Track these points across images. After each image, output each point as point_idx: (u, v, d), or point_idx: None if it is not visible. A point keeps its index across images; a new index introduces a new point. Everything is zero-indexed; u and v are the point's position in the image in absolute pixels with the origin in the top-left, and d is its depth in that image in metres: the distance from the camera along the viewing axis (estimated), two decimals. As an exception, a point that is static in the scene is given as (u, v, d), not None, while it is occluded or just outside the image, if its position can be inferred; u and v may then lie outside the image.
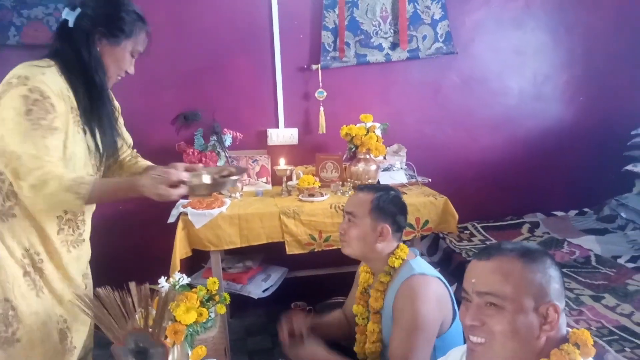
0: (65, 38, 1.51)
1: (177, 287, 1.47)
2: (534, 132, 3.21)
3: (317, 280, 2.83)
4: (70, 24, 1.49)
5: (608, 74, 3.22)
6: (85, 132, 1.55)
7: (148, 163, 1.83)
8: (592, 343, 1.01)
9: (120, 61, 1.57)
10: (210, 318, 1.56)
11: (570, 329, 1.05)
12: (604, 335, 1.77)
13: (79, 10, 1.49)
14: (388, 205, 1.70)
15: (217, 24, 2.76)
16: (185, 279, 1.53)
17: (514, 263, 1.03)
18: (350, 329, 1.91)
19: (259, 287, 2.58)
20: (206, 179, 1.58)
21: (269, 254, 2.70)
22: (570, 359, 0.98)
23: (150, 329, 0.95)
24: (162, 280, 1.49)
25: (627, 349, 1.68)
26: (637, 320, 1.87)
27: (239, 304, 1.82)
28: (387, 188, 1.79)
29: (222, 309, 1.55)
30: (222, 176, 1.66)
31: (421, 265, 1.66)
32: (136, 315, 1.08)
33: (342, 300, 2.94)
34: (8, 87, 1.39)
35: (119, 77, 1.62)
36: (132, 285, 1.09)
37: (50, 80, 1.43)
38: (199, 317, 1.48)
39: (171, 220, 2.38)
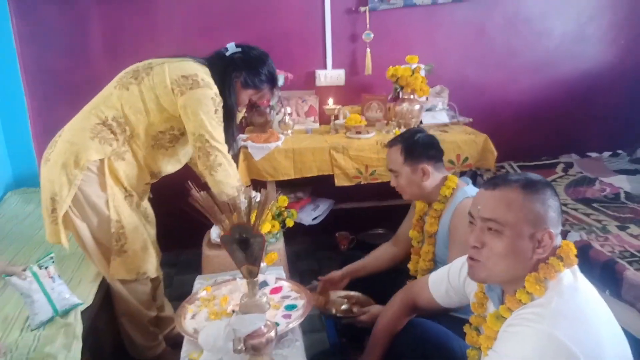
0: (221, 60, 1.95)
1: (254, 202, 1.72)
2: (573, 74, 3.29)
3: (361, 212, 3.08)
4: (227, 54, 1.95)
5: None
6: None
7: None
8: (575, 253, 1.16)
9: (240, 100, 1.99)
10: (279, 230, 1.83)
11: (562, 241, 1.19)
12: (626, 257, 1.96)
13: (238, 49, 1.95)
14: (416, 148, 1.85)
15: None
16: (259, 196, 1.78)
17: (516, 193, 1.15)
18: (399, 256, 2.12)
19: (309, 215, 2.84)
20: None
21: (318, 186, 2.94)
22: (556, 270, 1.13)
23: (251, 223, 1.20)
24: (250, 193, 1.74)
25: (646, 268, 1.88)
26: (658, 246, 2.05)
27: (290, 231, 2.09)
28: (411, 133, 1.93)
29: (291, 222, 1.81)
30: None
31: (474, 191, 1.80)
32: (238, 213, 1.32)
33: (382, 232, 3.20)
34: (195, 84, 1.80)
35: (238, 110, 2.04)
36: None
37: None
38: (272, 228, 1.75)
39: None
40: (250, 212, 1.20)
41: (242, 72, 1.94)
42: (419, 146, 1.87)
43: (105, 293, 2.02)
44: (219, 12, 2.93)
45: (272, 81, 2.00)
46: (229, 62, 1.93)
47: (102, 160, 1.84)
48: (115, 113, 1.84)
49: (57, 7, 2.81)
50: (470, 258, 1.22)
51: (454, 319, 1.67)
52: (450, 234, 1.81)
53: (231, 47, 1.96)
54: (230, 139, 2.00)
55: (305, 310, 1.51)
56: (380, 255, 2.13)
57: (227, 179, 1.85)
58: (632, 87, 3.32)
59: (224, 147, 1.87)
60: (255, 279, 1.28)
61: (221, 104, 1.86)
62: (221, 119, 1.86)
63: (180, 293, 2.44)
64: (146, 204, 2.13)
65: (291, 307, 1.55)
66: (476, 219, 1.21)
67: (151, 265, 2.00)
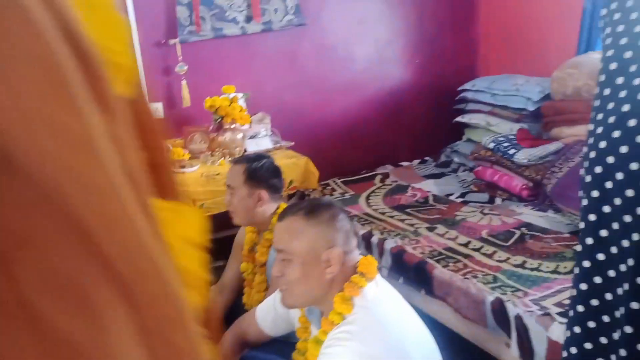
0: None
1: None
2: (379, 92, 3.61)
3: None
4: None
5: (438, 39, 3.70)
6: None
7: None
8: (376, 265, 1.28)
9: None
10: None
11: (360, 257, 1.30)
12: (435, 257, 2.19)
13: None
14: (260, 172, 1.88)
15: None
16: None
17: (299, 221, 1.25)
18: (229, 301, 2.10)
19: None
20: None
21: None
22: (359, 286, 1.23)
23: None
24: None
25: (450, 263, 2.11)
26: (460, 242, 2.32)
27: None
28: (259, 157, 1.97)
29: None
30: None
31: None
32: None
33: (222, 265, 3.15)
34: None
35: None
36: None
37: None
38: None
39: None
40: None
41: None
42: (262, 171, 1.90)
43: None
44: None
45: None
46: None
47: None
48: None
49: None
50: (280, 287, 1.27)
51: (287, 344, 1.70)
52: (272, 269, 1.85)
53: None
54: None
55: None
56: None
57: None
58: (430, 101, 3.74)
59: None
60: None
61: None
62: None
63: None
64: None
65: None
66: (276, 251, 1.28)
67: None
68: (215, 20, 3.03)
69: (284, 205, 1.93)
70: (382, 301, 1.25)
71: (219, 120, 2.84)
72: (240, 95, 2.91)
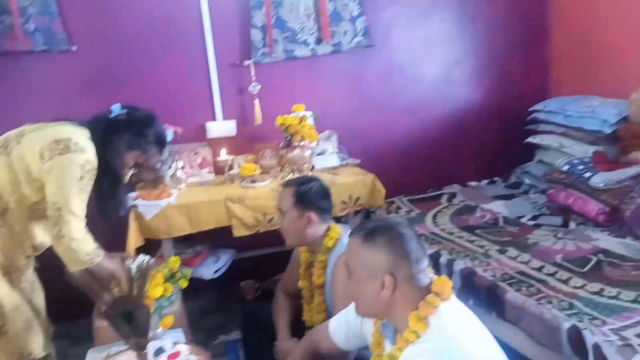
0: (103, 122, 1.85)
1: (145, 265, 1.67)
2: (447, 112, 3.59)
3: (264, 259, 3.08)
4: (111, 116, 1.88)
5: (508, 59, 3.65)
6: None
7: None
8: (451, 285, 1.28)
9: (125, 163, 1.88)
10: (173, 292, 1.78)
11: (433, 277, 1.31)
12: (506, 280, 2.14)
13: (123, 111, 1.89)
14: (309, 195, 1.92)
15: (147, 23, 2.93)
16: (149, 259, 1.73)
17: (356, 242, 1.31)
18: (290, 303, 2.15)
19: (210, 268, 2.79)
20: None
21: (217, 237, 2.90)
22: (434, 306, 1.23)
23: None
24: (128, 262, 1.68)
25: (523, 288, 2.06)
26: (532, 266, 2.25)
27: (192, 287, 2.04)
28: (308, 179, 2.01)
29: (184, 283, 1.77)
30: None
31: None
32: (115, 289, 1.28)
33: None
34: (66, 149, 1.69)
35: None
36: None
37: (94, 153, 1.79)
38: (165, 291, 1.69)
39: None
40: (133, 283, 1.17)
41: (126, 134, 1.86)
42: (311, 194, 1.93)
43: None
44: (96, 74, 2.87)
45: (160, 143, 1.95)
46: (112, 124, 1.86)
47: None
48: None
49: None
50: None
51: (357, 360, 1.72)
52: (332, 288, 1.87)
53: (115, 109, 1.89)
54: (118, 202, 1.93)
55: (205, 373, 1.47)
56: (287, 308, 2.14)
57: (69, 253, 1.69)
58: (499, 121, 3.68)
59: (76, 219, 1.70)
60: (144, 352, 1.24)
61: (93, 171, 1.76)
62: (87, 187, 1.74)
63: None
64: (32, 277, 1.97)
65: (191, 372, 1.50)
66: None
67: (37, 344, 1.85)
68: (287, 43, 3.15)
69: (334, 226, 1.97)
70: (458, 322, 1.25)
71: (289, 137, 2.92)
72: (309, 113, 2.99)
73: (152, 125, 1.92)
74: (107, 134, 1.85)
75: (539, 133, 3.42)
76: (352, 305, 1.54)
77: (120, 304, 1.17)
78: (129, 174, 1.95)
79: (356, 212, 2.97)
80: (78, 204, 1.70)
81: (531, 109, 3.48)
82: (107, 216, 1.92)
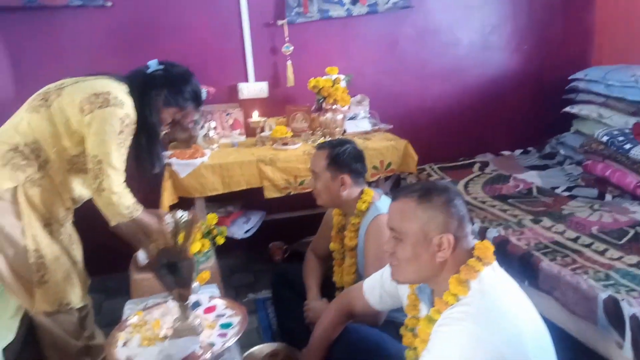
0: (141, 77, 1.84)
1: (182, 222, 1.69)
2: (482, 79, 3.50)
3: (293, 221, 3.10)
4: (148, 71, 1.86)
5: (548, 25, 3.52)
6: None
7: None
8: (492, 251, 1.25)
9: (162, 119, 1.89)
10: (209, 249, 1.81)
11: (476, 242, 1.28)
12: (540, 249, 2.11)
13: (160, 67, 1.87)
14: (343, 158, 1.91)
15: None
16: (186, 215, 1.75)
17: (411, 203, 1.25)
18: (321, 264, 2.17)
19: (241, 229, 2.82)
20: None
21: (248, 199, 2.92)
22: (476, 270, 1.22)
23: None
24: (167, 217, 1.70)
25: (558, 257, 2.03)
26: (568, 236, 2.22)
27: (222, 245, 2.07)
28: (342, 142, 1.99)
29: (221, 240, 1.79)
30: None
31: (386, 205, 1.88)
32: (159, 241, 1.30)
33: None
34: (105, 102, 1.70)
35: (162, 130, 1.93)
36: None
37: (132, 107, 1.79)
38: (202, 247, 1.72)
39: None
40: (177, 235, 1.18)
41: (163, 90, 1.86)
42: (345, 156, 1.92)
43: (29, 327, 1.90)
44: (130, 30, 2.86)
45: (197, 100, 1.94)
46: (150, 79, 1.86)
47: (15, 188, 1.74)
48: (26, 138, 1.74)
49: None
50: (390, 262, 1.31)
51: (389, 322, 1.73)
52: (365, 252, 1.88)
53: (153, 65, 1.88)
54: (154, 158, 1.95)
55: (241, 327, 1.49)
56: (318, 269, 2.17)
57: (109, 207, 1.71)
58: (538, 88, 3.58)
59: (116, 173, 1.72)
60: (187, 303, 1.26)
61: (132, 125, 1.77)
62: (126, 141, 1.76)
63: (110, 319, 2.33)
64: (70, 229, 2.01)
65: (226, 326, 1.53)
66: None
67: (75, 295, 1.90)
68: (322, 2, 3.08)
69: (367, 189, 1.96)
70: (500, 287, 1.24)
71: (321, 100, 2.89)
72: (342, 77, 2.94)
73: (190, 81, 1.92)
74: (144, 90, 1.84)
75: (578, 103, 3.32)
76: (388, 267, 1.55)
77: (164, 255, 1.18)
78: (164, 131, 1.96)
79: (386, 178, 2.95)
80: (118, 157, 1.72)
81: (571, 77, 3.37)
82: (144, 172, 1.93)
